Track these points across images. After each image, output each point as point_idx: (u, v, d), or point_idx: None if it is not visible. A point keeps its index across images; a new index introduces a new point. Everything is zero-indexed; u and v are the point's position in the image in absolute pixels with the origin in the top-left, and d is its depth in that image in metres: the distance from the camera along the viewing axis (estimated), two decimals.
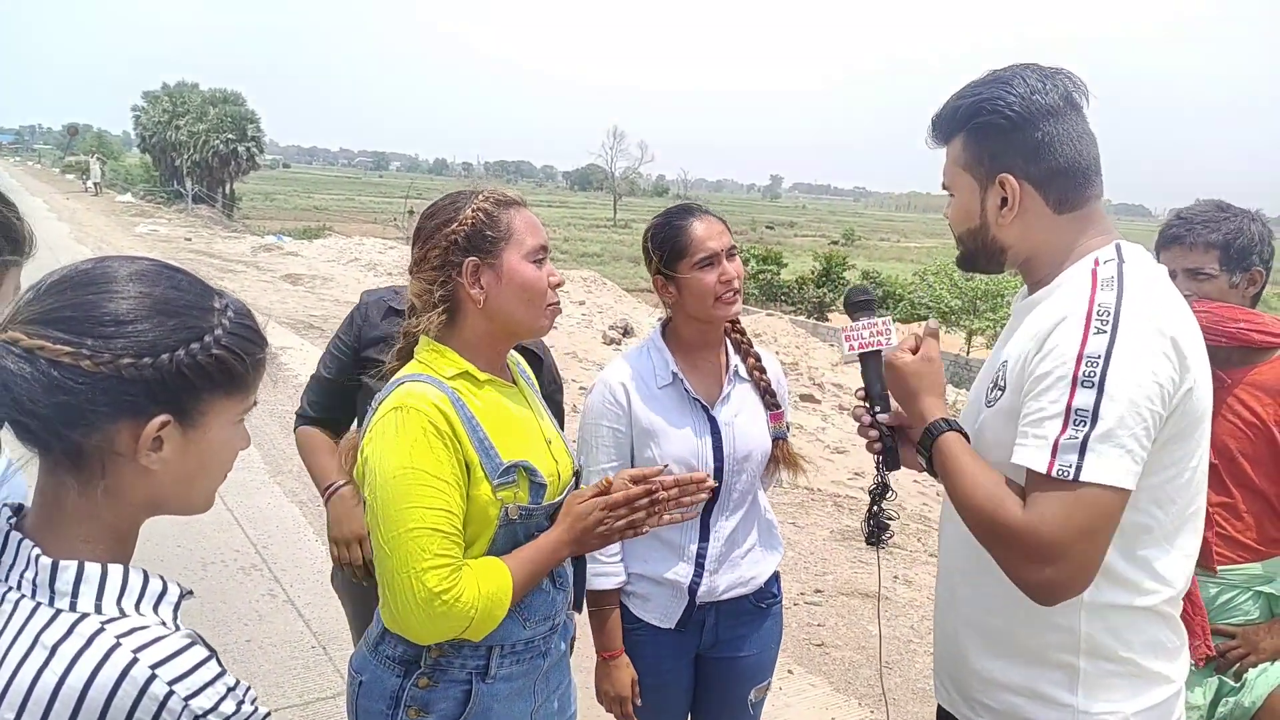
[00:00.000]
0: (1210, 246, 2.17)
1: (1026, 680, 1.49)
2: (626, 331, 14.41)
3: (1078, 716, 1.45)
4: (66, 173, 48.59)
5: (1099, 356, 1.30)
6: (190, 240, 22.57)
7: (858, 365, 1.78)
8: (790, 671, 4.05)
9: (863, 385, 1.77)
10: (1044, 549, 1.30)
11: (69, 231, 22.03)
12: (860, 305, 1.77)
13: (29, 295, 0.94)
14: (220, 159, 42.37)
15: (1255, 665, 2.18)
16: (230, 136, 42.37)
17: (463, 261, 1.58)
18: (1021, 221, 1.48)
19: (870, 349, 1.75)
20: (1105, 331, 1.31)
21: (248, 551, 4.75)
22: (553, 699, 1.77)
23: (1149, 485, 1.38)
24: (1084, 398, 1.29)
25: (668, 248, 2.02)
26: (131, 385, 0.92)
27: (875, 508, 1.79)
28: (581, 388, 9.19)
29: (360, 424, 1.67)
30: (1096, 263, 1.44)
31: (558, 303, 1.68)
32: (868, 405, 1.76)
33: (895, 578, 5.24)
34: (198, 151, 41.92)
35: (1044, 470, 1.31)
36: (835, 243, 70.06)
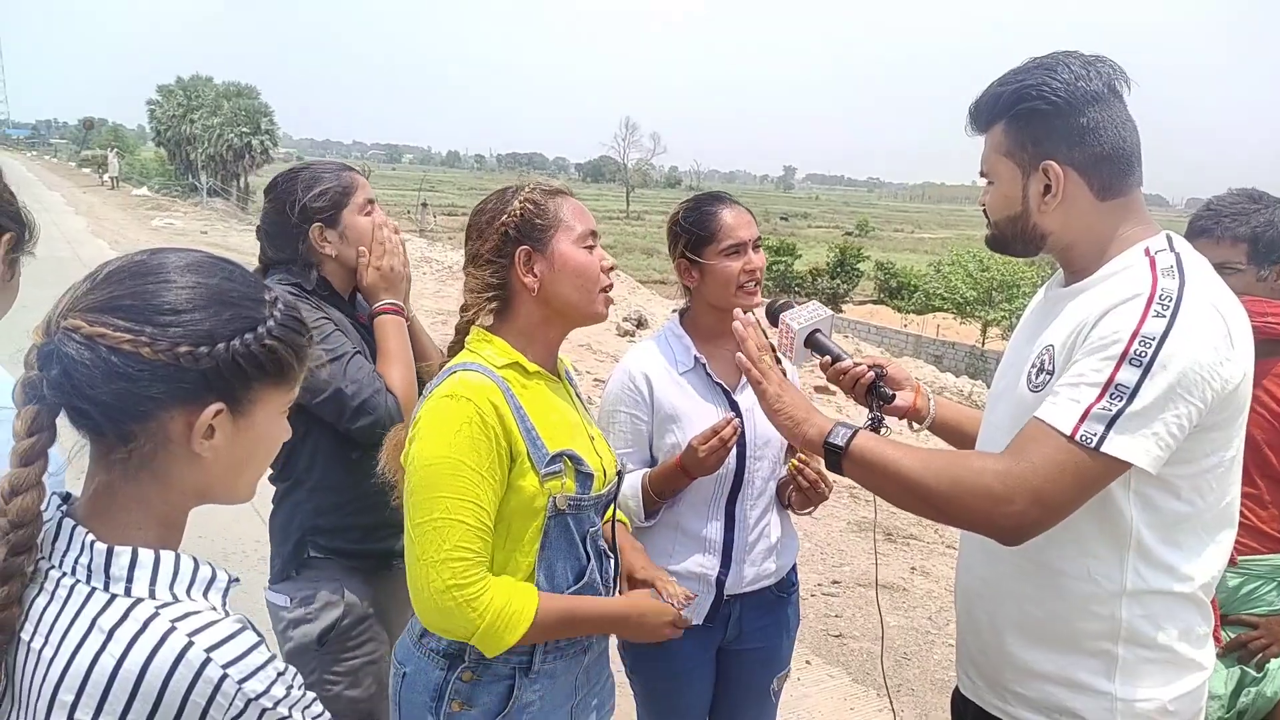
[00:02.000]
0: (1239, 240, 2.16)
1: (1062, 669, 1.49)
2: (640, 323, 14.40)
3: (1115, 704, 1.46)
4: (83, 167, 48.90)
5: (1154, 338, 1.31)
6: (206, 234, 22.66)
7: (813, 362, 1.93)
8: (808, 662, 4.06)
9: (824, 358, 1.89)
10: (1026, 491, 1.33)
11: (86, 225, 22.19)
12: (781, 307, 1.94)
13: (85, 285, 0.96)
14: (234, 152, 42.48)
15: (1277, 655, 2.18)
16: (244, 130, 42.47)
17: (515, 251, 1.61)
18: (1064, 209, 1.49)
19: (811, 327, 1.89)
20: (1164, 316, 1.32)
21: (266, 542, 4.80)
22: (592, 695, 1.78)
23: (1190, 473, 1.39)
24: (1128, 374, 1.31)
25: (695, 232, 2.05)
26: (187, 373, 0.94)
27: None
28: (596, 380, 9.20)
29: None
30: (1149, 252, 1.44)
31: (611, 286, 1.69)
32: (834, 360, 1.87)
33: (912, 569, 5.25)
34: (212, 145, 42.05)
35: (1067, 432, 1.32)
36: (849, 233, 69.87)
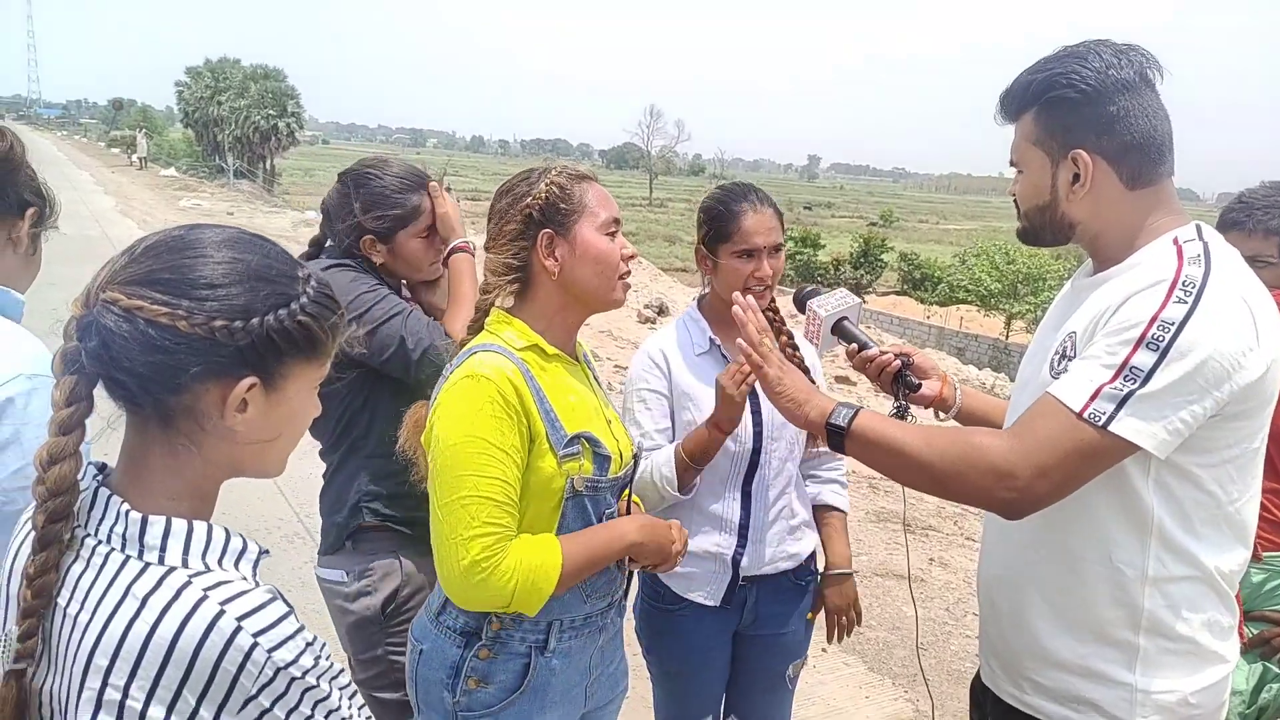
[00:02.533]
0: (1270, 233, 2.14)
1: (1082, 658, 1.49)
2: (661, 310, 14.41)
3: (1135, 695, 1.45)
4: (112, 147, 49.36)
5: (1173, 323, 1.30)
6: (232, 215, 22.84)
7: (840, 350, 1.95)
8: (824, 650, 4.06)
9: (850, 346, 1.90)
10: (1029, 465, 1.34)
11: (114, 205, 22.43)
12: (809, 294, 1.94)
13: (123, 259, 0.98)
14: (261, 134, 42.81)
15: None
16: (271, 112, 42.77)
17: (537, 234, 1.62)
18: (1093, 198, 1.48)
19: (839, 315, 1.90)
20: (1186, 302, 1.31)
21: (290, 520, 4.86)
22: (606, 674, 1.80)
23: (1212, 462, 1.38)
24: (1144, 357, 1.30)
25: (714, 227, 2.06)
26: (223, 347, 0.96)
27: None
28: (616, 365, 9.22)
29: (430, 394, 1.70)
30: (1177, 241, 1.43)
31: (629, 274, 1.70)
32: (861, 348, 1.89)
33: (930, 560, 5.23)
34: (239, 127, 42.39)
35: (1076, 409, 1.33)
36: (873, 224, 69.41)
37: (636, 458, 1.80)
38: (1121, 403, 1.31)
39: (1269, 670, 2.19)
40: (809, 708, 3.59)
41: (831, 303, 1.93)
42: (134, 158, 39.01)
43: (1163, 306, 1.32)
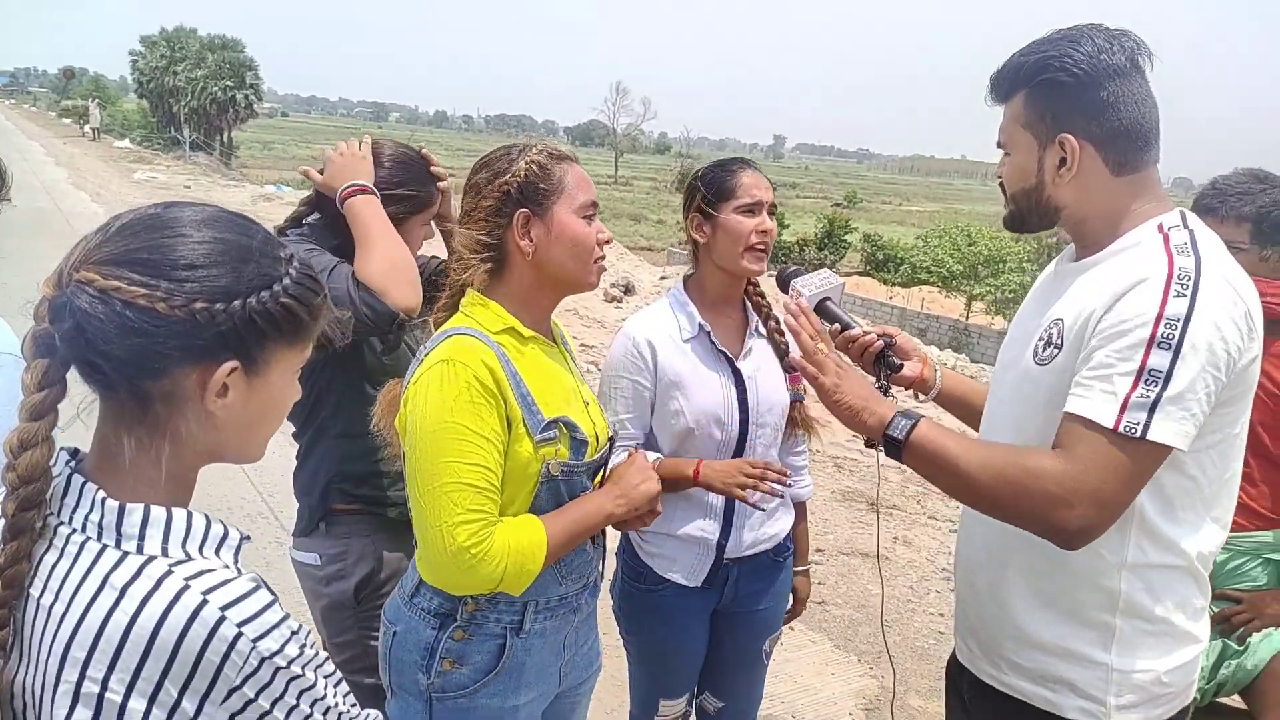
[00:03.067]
0: (1243, 219, 2.17)
1: (1060, 639, 1.51)
2: (628, 289, 14.36)
3: (1111, 675, 1.48)
4: (63, 117, 47.98)
5: (1178, 319, 1.30)
6: (189, 188, 22.36)
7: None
8: (791, 628, 4.11)
9: (833, 326, 1.90)
10: (1085, 497, 1.32)
11: (66, 177, 21.85)
12: (792, 274, 1.94)
13: (97, 237, 0.94)
14: (218, 106, 41.80)
15: (1259, 630, 2.22)
16: (228, 83, 41.76)
17: (514, 212, 1.59)
18: (1079, 182, 1.48)
19: (822, 295, 1.90)
20: (1185, 295, 1.32)
21: (254, 500, 4.80)
22: (581, 654, 1.80)
23: (1199, 447, 1.40)
24: (1159, 359, 1.30)
25: (716, 186, 2.06)
26: (203, 330, 0.93)
27: None
28: (583, 345, 9.19)
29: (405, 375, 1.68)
30: (1162, 228, 1.43)
31: (604, 258, 1.69)
32: (844, 328, 1.88)
33: (895, 539, 5.30)
34: (195, 98, 41.35)
35: (1110, 425, 1.31)
36: (838, 205, 69.72)
37: (613, 440, 1.79)
38: (1152, 409, 1.30)
39: (1228, 647, 2.25)
40: (776, 685, 3.63)
41: (815, 283, 1.93)
42: (86, 128, 37.95)
43: (1164, 303, 1.32)
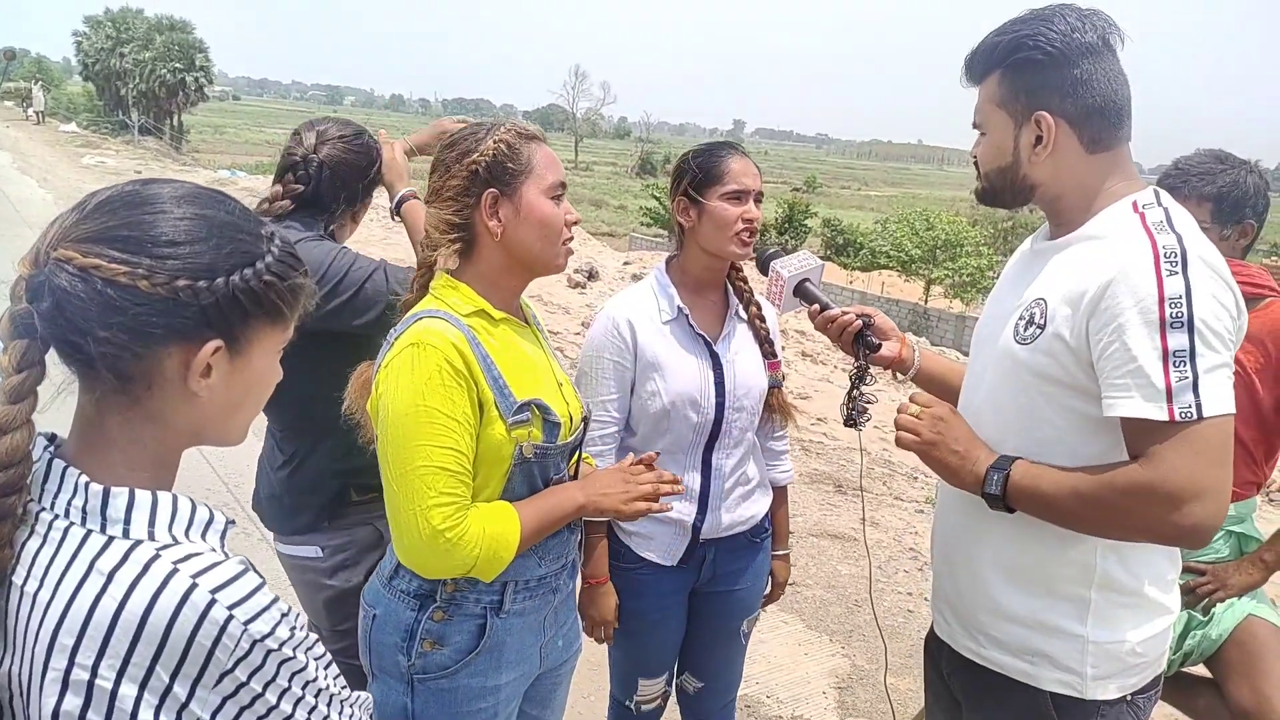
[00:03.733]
0: (1204, 199, 2.21)
1: (1036, 612, 1.53)
2: (591, 275, 14.31)
3: (1087, 646, 1.50)
4: (5, 100, 46.54)
5: (1180, 297, 1.31)
6: (140, 173, 21.82)
7: (801, 311, 1.97)
8: (763, 610, 4.15)
9: (812, 307, 1.93)
10: (1186, 493, 1.31)
11: (11, 161, 21.22)
12: (772, 255, 1.98)
13: (73, 215, 0.91)
14: (167, 89, 40.84)
15: (1223, 600, 2.29)
16: (177, 66, 40.79)
17: (482, 192, 1.58)
18: (1054, 160, 1.49)
19: (801, 276, 1.94)
20: (1178, 273, 1.32)
21: (219, 489, 4.72)
22: (560, 635, 1.80)
23: None
24: (1178, 339, 1.30)
25: (703, 171, 2.05)
26: (186, 308, 0.90)
27: (855, 391, 1.85)
28: (550, 330, 9.16)
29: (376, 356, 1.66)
30: (1136, 206, 1.45)
31: (572, 239, 1.68)
32: (822, 309, 1.91)
33: (862, 520, 5.37)
34: (143, 81, 40.36)
35: (1165, 418, 1.31)
36: (797, 189, 70.09)
37: (586, 420, 1.79)
38: (1194, 388, 1.30)
39: (1193, 618, 2.31)
40: (751, 665, 3.65)
41: (794, 264, 1.94)
42: (30, 111, 36.77)
43: (1160, 283, 1.32)
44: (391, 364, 1.51)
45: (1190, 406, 1.30)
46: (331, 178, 2.08)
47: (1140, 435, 1.35)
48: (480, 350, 1.54)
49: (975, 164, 1.63)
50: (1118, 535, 1.44)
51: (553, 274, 1.69)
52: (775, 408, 2.23)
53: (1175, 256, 1.34)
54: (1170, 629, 1.57)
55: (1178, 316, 1.31)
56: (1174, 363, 1.31)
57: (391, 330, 1.60)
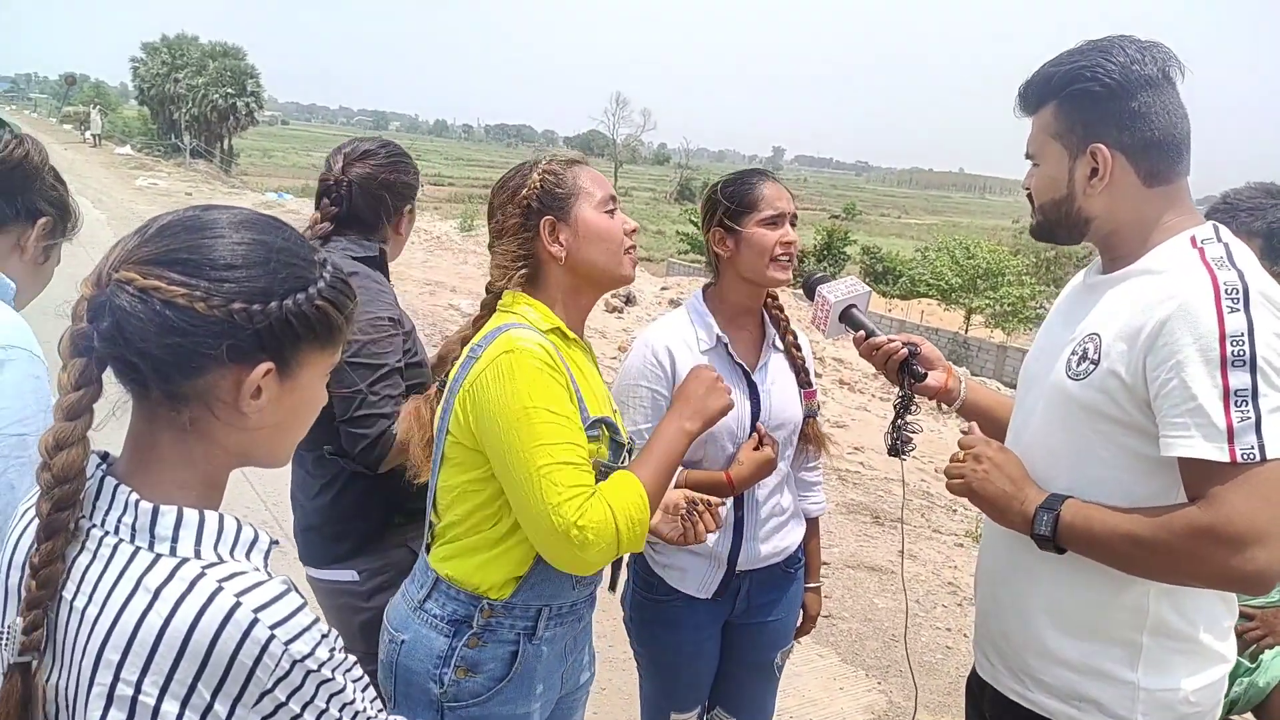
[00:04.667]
0: (1253, 234, 2.16)
1: (1087, 657, 1.49)
2: (629, 300, 14.39)
3: (1138, 693, 1.46)
4: (64, 123, 48.00)
5: (1242, 335, 1.28)
6: (191, 195, 22.36)
7: (846, 338, 1.96)
8: (798, 642, 4.10)
9: (858, 333, 1.92)
10: (1249, 537, 1.28)
11: (69, 183, 21.81)
12: (819, 280, 1.99)
13: (134, 238, 0.94)
14: (219, 113, 42.01)
15: (1272, 647, 2.22)
16: (229, 91, 41.96)
17: (539, 222, 1.62)
18: (1110, 193, 1.47)
19: (848, 302, 1.94)
20: (1239, 309, 1.30)
21: (258, 508, 4.79)
22: (579, 661, 1.80)
23: None
24: (1240, 378, 1.27)
25: (737, 200, 2.05)
26: (241, 331, 0.93)
27: (900, 420, 1.83)
28: None
29: (445, 381, 1.66)
30: (1195, 241, 1.42)
31: (635, 248, 1.71)
32: (868, 335, 1.90)
33: (899, 552, 5.29)
34: (196, 105, 41.54)
35: (1227, 459, 1.28)
36: (836, 217, 69.92)
37: (630, 450, 1.79)
38: (1257, 429, 1.27)
39: (1240, 664, 2.24)
40: (784, 699, 3.61)
41: (841, 289, 1.93)
42: (87, 135, 37.89)
43: (1221, 320, 1.29)
44: (487, 374, 1.51)
45: (1253, 448, 1.27)
46: (364, 195, 2.13)
47: (1200, 476, 1.32)
48: (565, 364, 1.57)
49: (1029, 197, 1.61)
50: (1174, 579, 1.40)
51: (622, 285, 1.72)
52: (810, 438, 2.22)
53: (1237, 293, 1.31)
54: (1225, 678, 1.52)
55: (1239, 354, 1.28)
56: (1236, 402, 1.27)
57: (470, 348, 1.61)
